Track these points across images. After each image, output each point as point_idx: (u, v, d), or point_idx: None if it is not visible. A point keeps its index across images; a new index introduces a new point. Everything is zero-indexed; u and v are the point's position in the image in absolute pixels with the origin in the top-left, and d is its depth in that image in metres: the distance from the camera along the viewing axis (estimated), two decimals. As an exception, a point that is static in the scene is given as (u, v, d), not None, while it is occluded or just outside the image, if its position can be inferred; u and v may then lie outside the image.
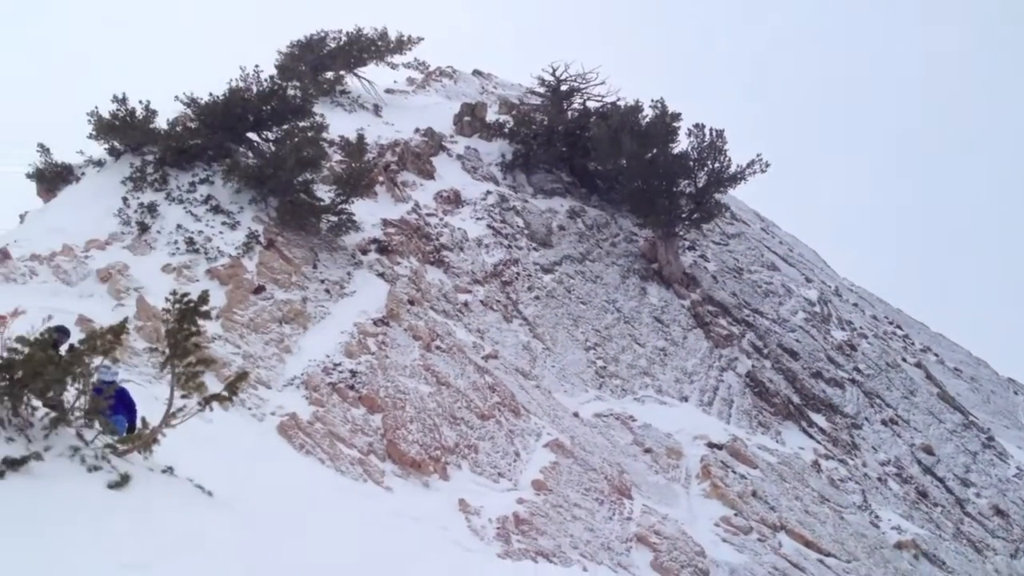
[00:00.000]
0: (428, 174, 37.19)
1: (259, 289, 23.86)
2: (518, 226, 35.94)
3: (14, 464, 8.68)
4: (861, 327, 43.79)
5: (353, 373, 21.75)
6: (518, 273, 33.11)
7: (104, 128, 28.41)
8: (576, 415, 26.92)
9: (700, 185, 37.83)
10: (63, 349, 11.52)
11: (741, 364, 34.22)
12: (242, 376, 12.06)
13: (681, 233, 38.87)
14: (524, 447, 23.00)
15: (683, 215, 37.84)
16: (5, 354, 9.51)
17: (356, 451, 19.20)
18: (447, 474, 20.28)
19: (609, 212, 40.59)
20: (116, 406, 12.00)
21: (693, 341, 34.50)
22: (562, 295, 33.37)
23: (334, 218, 28.64)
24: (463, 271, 31.38)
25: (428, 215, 33.56)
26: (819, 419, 33.45)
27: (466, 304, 29.79)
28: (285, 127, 29.98)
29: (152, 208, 25.90)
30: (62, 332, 12.55)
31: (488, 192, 37.30)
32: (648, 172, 37.07)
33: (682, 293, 37.03)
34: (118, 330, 10.33)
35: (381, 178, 33.45)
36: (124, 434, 11.22)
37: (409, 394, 21.94)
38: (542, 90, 45.49)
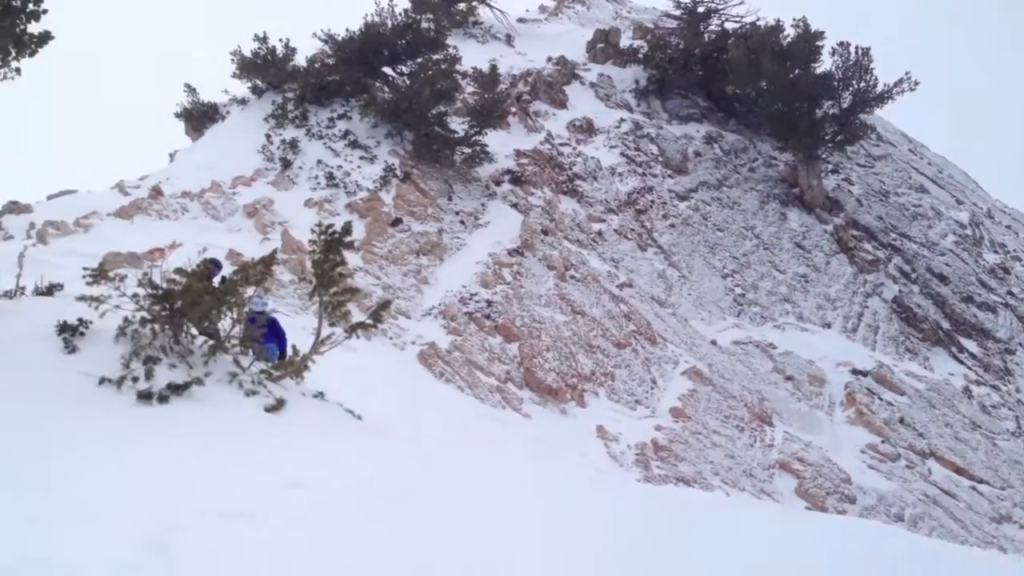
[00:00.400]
0: (561, 103, 36.80)
1: (396, 222, 24.31)
2: (652, 153, 35.26)
3: (178, 389, 9.15)
4: (1015, 250, 41.36)
5: (489, 303, 22.02)
6: (653, 201, 32.58)
7: (246, 67, 29.27)
8: (714, 343, 26.55)
9: (844, 106, 36.07)
10: (216, 281, 12.06)
11: (887, 289, 32.92)
12: (385, 305, 12.31)
13: (824, 156, 37.31)
14: (661, 375, 22.87)
15: (826, 137, 36.25)
16: (165, 285, 9.96)
17: (494, 379, 19.50)
18: (584, 401, 20.40)
19: (747, 136, 39.29)
20: (267, 335, 12.50)
21: (836, 267, 33.32)
22: (698, 222, 32.70)
23: (468, 150, 28.80)
24: (597, 200, 31.10)
25: (561, 145, 33.29)
26: (970, 344, 31.98)
27: (600, 233, 29.58)
28: (419, 60, 30.12)
29: (294, 144, 26.65)
30: (215, 264, 13.14)
31: (622, 120, 36.65)
32: (789, 94, 35.57)
33: (824, 218, 35.71)
34: (268, 261, 10.70)
35: (514, 109, 33.34)
36: (276, 361, 11.67)
37: (545, 323, 22.06)
38: (678, 13, 44.07)
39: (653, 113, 39.26)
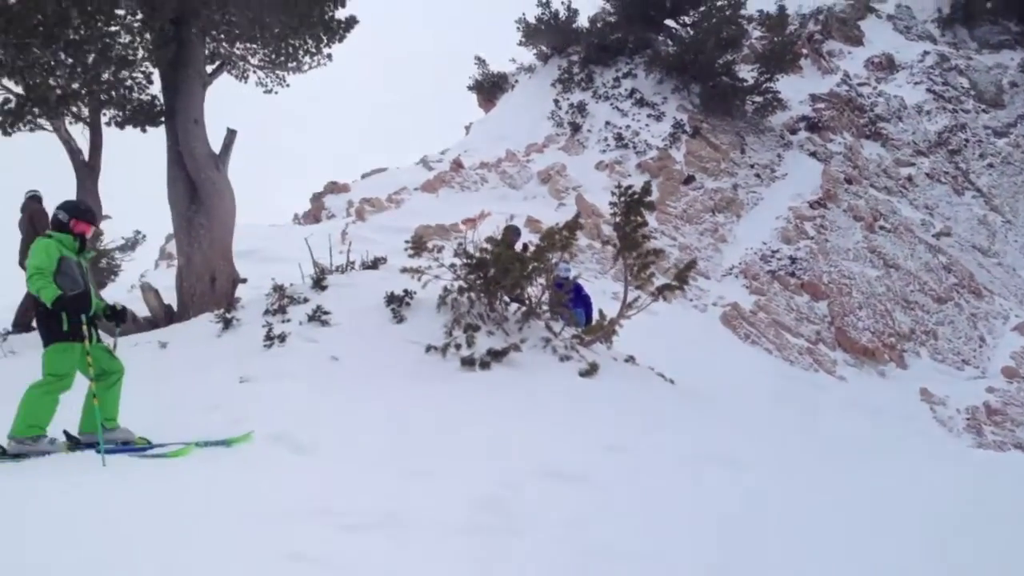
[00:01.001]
0: (856, 40, 34.23)
1: (689, 179, 23.77)
2: (963, 87, 31.97)
3: (497, 355, 9.41)
4: None
5: (792, 259, 20.99)
6: (967, 140, 29.58)
7: (531, 33, 29.78)
8: (1050, 294, 23.80)
9: None
10: (517, 247, 12.26)
11: None
12: (690, 265, 11.97)
13: None
14: (989, 331, 20.80)
15: None
16: (477, 254, 10.25)
17: (803, 340, 18.58)
18: (904, 362, 18.96)
19: (1072, 60, 34.64)
20: (574, 300, 12.60)
21: None
22: (1020, 160, 29.32)
23: (759, 99, 27.58)
24: (903, 142, 28.70)
25: (859, 85, 30.98)
26: None
27: (910, 178, 27.30)
28: (702, 9, 29.09)
29: (581, 108, 26.79)
30: (514, 232, 13.40)
31: (925, 53, 33.49)
32: None
33: None
34: (573, 226, 10.70)
35: (805, 50, 31.40)
36: (584, 326, 11.71)
37: (855, 278, 20.70)
38: (987, -73, 39.54)
39: (960, 43, 35.61)
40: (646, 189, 11.20)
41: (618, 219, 11.12)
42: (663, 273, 15.44)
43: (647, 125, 25.92)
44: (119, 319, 7.06)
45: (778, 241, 21.59)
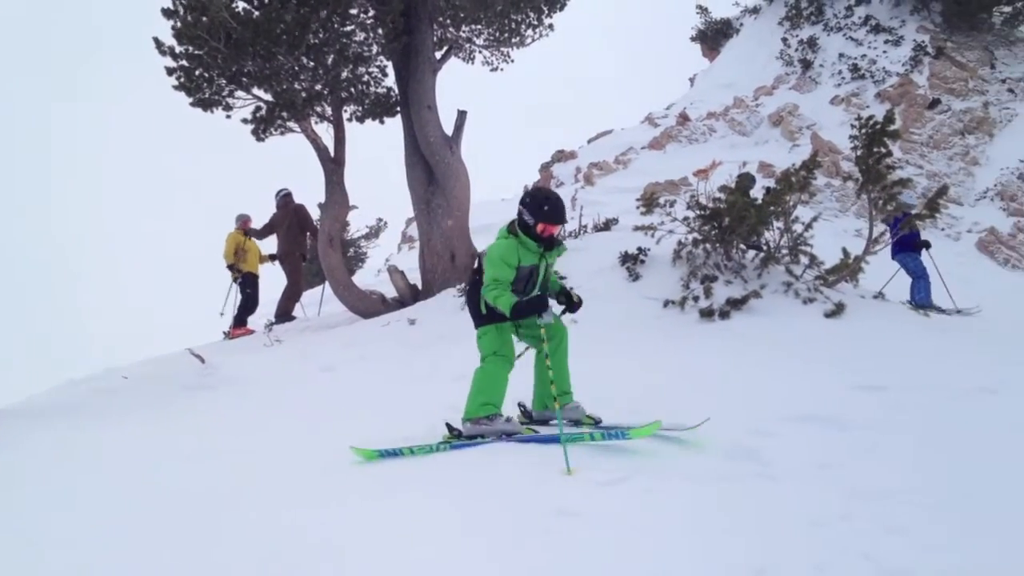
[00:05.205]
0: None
1: (934, 103, 22.22)
2: None
3: (736, 303, 9.38)
4: None
5: (1060, 175, 19.18)
6: None
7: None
8: None
9: None
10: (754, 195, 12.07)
11: None
12: (941, 191, 11.30)
13: None
14: None
15: None
16: (711, 204, 10.22)
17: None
18: None
19: None
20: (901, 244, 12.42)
21: None
22: None
23: (1007, 8, 25.22)
24: None
25: None
26: None
27: None
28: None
29: (812, 43, 25.69)
30: (749, 179, 13.21)
31: None
32: None
33: None
34: (810, 165, 10.47)
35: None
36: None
37: None
38: None
39: None
40: (888, 118, 10.69)
41: (859, 152, 10.73)
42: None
43: (884, 52, 24.47)
44: (571, 308, 6.38)
45: (1044, 156, 19.82)
